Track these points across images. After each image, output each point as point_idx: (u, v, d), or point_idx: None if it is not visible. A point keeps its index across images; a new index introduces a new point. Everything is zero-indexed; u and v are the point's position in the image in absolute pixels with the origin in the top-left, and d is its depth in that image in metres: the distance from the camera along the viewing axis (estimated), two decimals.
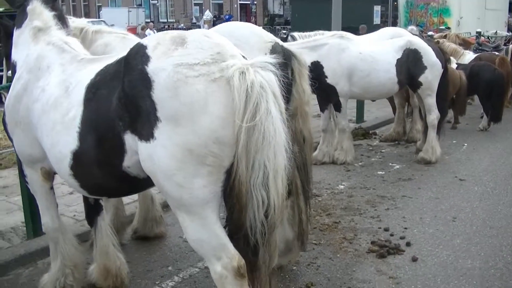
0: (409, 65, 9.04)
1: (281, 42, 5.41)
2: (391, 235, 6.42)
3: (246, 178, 3.33)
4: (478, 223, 6.77)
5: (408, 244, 6.13)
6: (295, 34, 9.84)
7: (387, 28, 9.53)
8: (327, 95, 9.09)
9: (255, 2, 49.47)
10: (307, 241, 5.58)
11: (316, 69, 8.80)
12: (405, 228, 6.60)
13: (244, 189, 3.35)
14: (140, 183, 3.85)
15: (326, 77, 8.87)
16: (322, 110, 9.38)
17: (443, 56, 9.52)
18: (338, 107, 9.10)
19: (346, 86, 8.94)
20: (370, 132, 11.60)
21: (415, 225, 6.72)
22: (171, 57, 3.39)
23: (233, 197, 3.42)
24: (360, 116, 12.49)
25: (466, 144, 10.70)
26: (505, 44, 16.61)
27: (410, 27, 16.76)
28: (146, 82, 3.37)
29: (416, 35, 12.07)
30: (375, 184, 8.28)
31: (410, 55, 9.05)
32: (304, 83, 5.26)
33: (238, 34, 5.13)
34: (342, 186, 8.24)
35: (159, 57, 3.42)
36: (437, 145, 9.36)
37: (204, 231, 3.49)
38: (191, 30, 3.86)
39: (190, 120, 3.28)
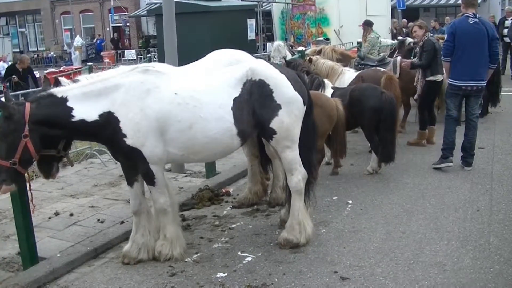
0: (254, 106, 5.94)
1: None
2: None
3: None
4: None
5: None
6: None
7: (219, 51, 6.52)
8: (131, 162, 5.88)
9: (128, 24, 45.99)
10: None
11: (109, 125, 5.60)
12: None
13: None
14: None
15: (125, 136, 5.61)
16: (129, 183, 6.13)
17: (305, 86, 6.55)
18: (150, 179, 5.87)
19: (159, 147, 5.71)
20: (223, 191, 8.38)
21: None
22: None
23: None
24: (211, 167, 9.02)
25: (351, 202, 7.65)
26: (390, 55, 13.98)
27: (276, 43, 14.07)
28: None
29: (280, 56, 9.25)
30: None
31: (253, 90, 5.91)
32: None
33: None
34: None
35: None
36: (307, 219, 6.32)
37: None
38: None
39: None
